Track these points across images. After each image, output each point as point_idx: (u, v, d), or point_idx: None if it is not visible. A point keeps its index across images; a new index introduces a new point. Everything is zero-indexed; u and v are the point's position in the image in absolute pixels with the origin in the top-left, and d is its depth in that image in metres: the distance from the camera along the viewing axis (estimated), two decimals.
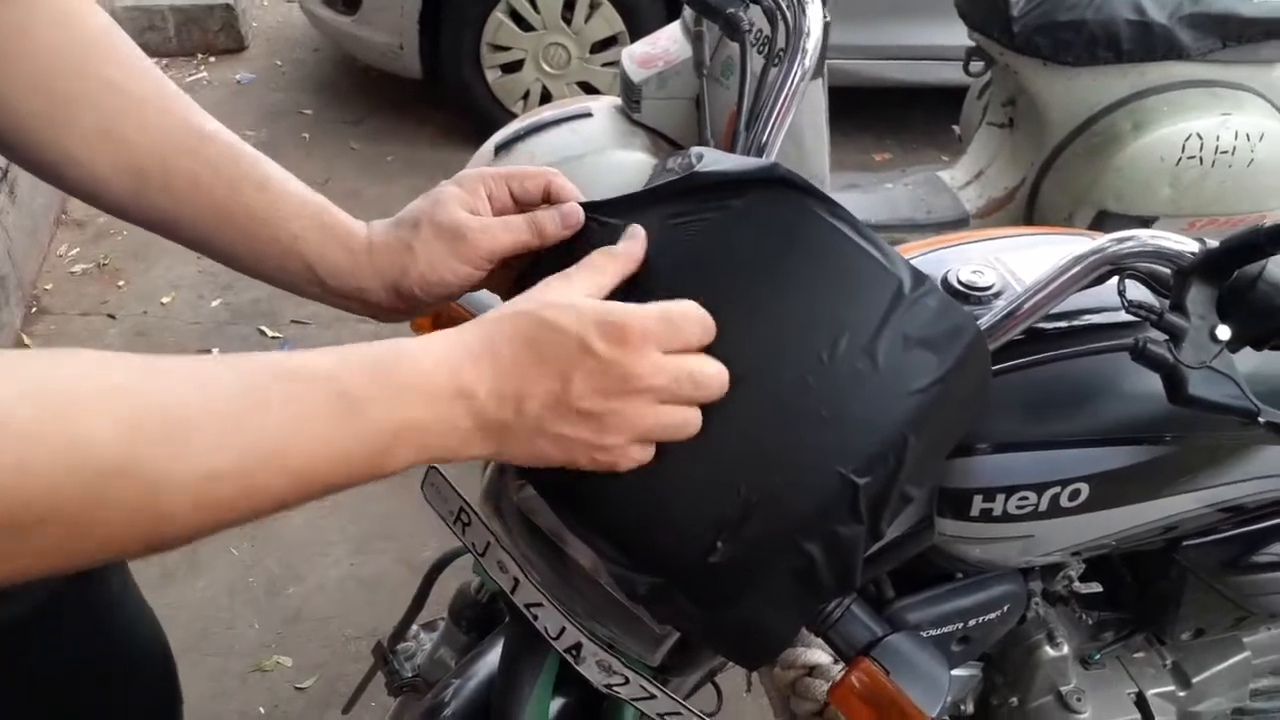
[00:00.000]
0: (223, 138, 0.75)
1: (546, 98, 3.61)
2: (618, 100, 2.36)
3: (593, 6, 3.51)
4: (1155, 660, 1.23)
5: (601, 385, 0.59)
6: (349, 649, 2.08)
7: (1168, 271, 0.75)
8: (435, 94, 3.77)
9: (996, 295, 0.89)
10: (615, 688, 0.86)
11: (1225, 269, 0.72)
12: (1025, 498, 0.87)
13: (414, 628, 1.34)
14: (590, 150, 2.19)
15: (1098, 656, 1.20)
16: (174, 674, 1.14)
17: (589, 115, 2.29)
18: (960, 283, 0.90)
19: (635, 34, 3.25)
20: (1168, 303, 0.74)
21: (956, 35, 2.52)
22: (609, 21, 3.52)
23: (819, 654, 1.00)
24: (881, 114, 3.91)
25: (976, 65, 2.50)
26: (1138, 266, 0.76)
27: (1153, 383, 0.75)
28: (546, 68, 3.61)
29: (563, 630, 0.86)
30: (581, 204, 0.75)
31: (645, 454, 0.63)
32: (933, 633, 0.95)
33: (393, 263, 0.74)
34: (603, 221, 0.74)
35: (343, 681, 2.01)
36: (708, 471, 0.66)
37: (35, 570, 0.46)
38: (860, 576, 0.69)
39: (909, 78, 3.65)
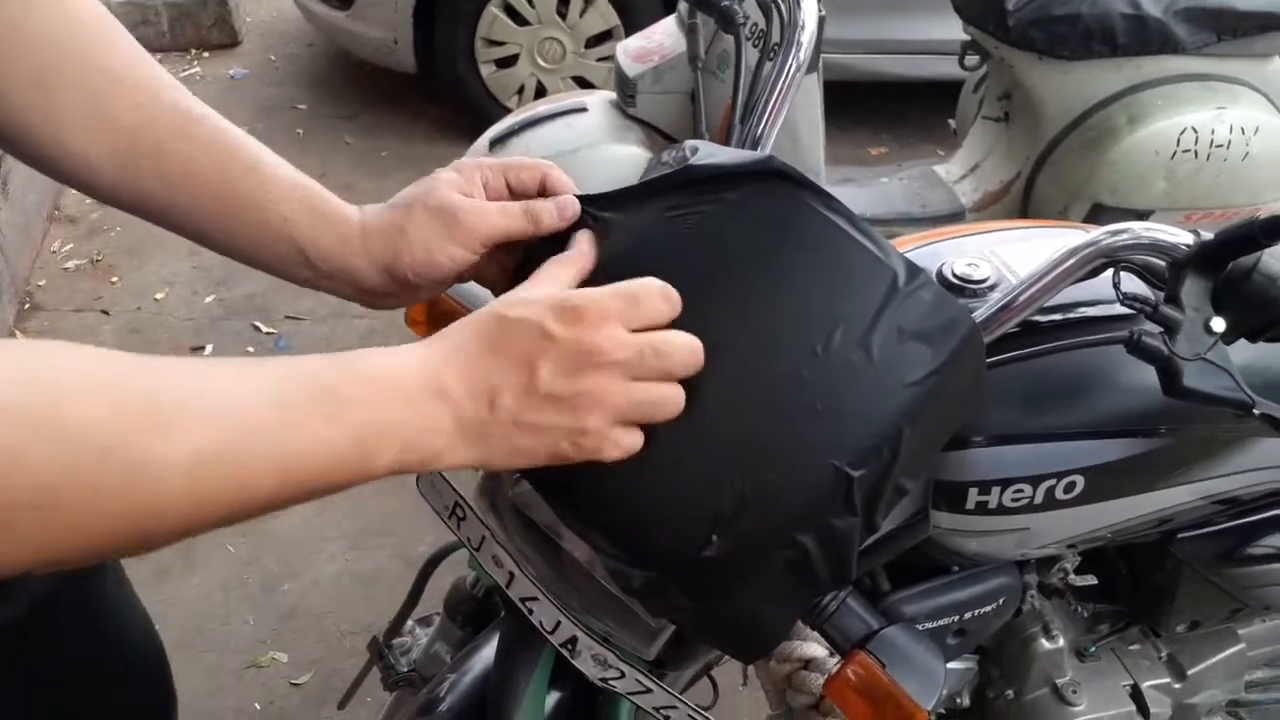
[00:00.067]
0: (213, 121, 0.75)
1: (541, 92, 3.60)
2: (613, 95, 2.36)
3: (587, 1, 3.50)
4: (1150, 652, 1.24)
5: (566, 366, 0.59)
6: (345, 644, 2.08)
7: (1162, 264, 0.75)
8: (430, 89, 3.77)
9: (991, 288, 0.89)
10: (611, 681, 0.86)
11: (1220, 261, 0.72)
12: (1020, 490, 0.87)
13: (409, 623, 1.34)
14: (585, 145, 2.19)
15: (1093, 649, 1.20)
16: (168, 673, 1.14)
17: (584, 110, 2.29)
18: (955, 276, 0.90)
19: (630, 28, 3.25)
20: (1162, 295, 0.74)
21: (952, 29, 2.51)
22: (604, 16, 3.52)
23: (815, 647, 1.00)
24: (877, 108, 3.90)
25: (972, 59, 2.50)
26: (1132, 259, 0.76)
27: (1148, 375, 0.75)
28: (541, 62, 3.60)
29: (558, 624, 0.86)
30: (577, 198, 0.75)
31: (631, 438, 0.63)
32: (928, 625, 0.95)
33: (385, 244, 0.74)
34: (598, 216, 0.74)
35: (338, 677, 2.01)
36: (702, 465, 0.66)
37: (21, 562, 0.46)
38: (855, 569, 0.69)
39: (904, 72, 3.65)
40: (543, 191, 0.76)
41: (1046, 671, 1.16)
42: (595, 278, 0.71)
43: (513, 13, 3.50)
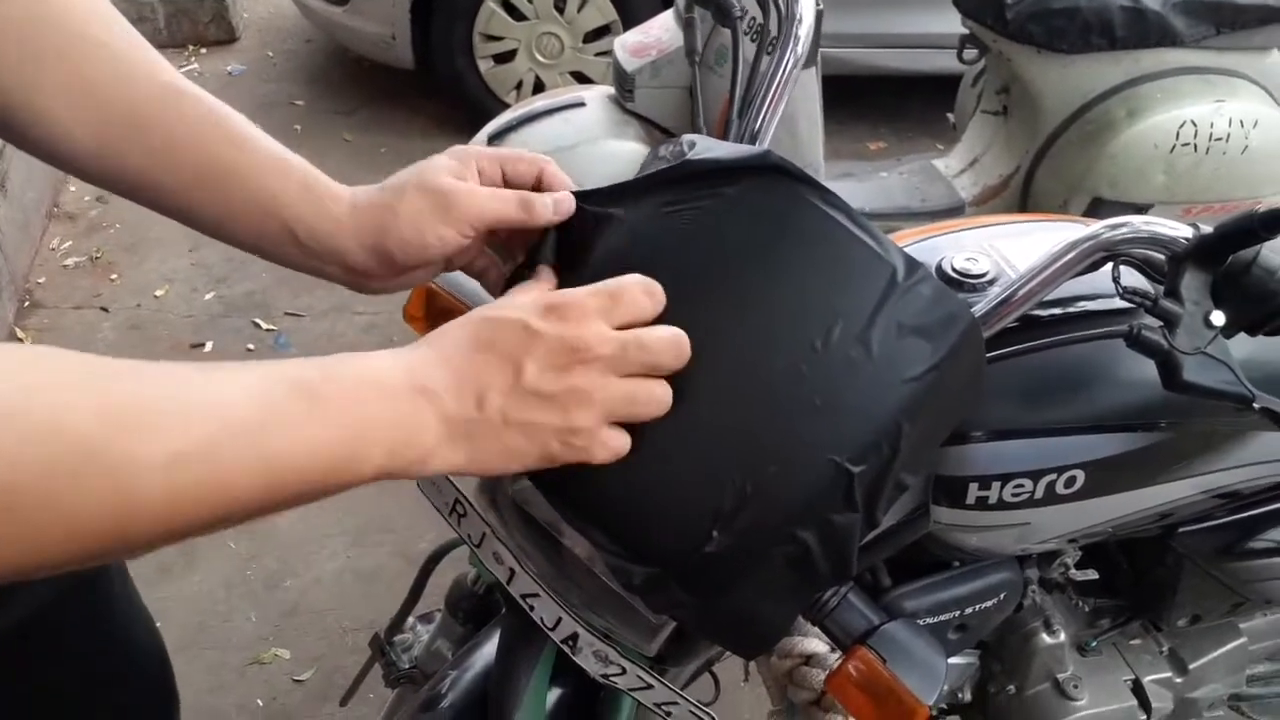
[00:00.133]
0: (198, 96, 0.74)
1: (539, 88, 3.59)
2: (611, 90, 2.35)
3: None
4: (1152, 647, 1.24)
5: (553, 362, 0.60)
6: (346, 641, 2.08)
7: (1162, 257, 0.75)
8: (428, 84, 3.76)
9: (991, 282, 0.89)
10: (612, 678, 0.86)
11: (1219, 254, 0.72)
12: (1021, 485, 0.87)
13: (411, 619, 1.34)
14: (583, 140, 2.18)
15: (1094, 644, 1.20)
16: (170, 672, 1.14)
17: (582, 105, 2.28)
18: (954, 270, 0.90)
19: (628, 23, 3.24)
20: (1162, 289, 0.74)
21: (950, 23, 2.51)
22: (602, 10, 3.51)
23: (816, 643, 1.00)
24: (876, 102, 3.90)
25: (970, 53, 2.50)
26: (1132, 253, 0.76)
27: (1148, 369, 0.75)
28: (539, 57, 3.59)
29: (559, 621, 0.86)
30: (574, 193, 0.75)
31: (619, 439, 0.63)
32: (929, 621, 0.95)
33: (374, 223, 0.73)
34: (595, 211, 0.74)
35: (340, 674, 2.01)
36: (702, 462, 0.66)
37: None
38: (856, 565, 0.69)
39: (903, 66, 3.64)
40: (538, 186, 0.76)
41: (1048, 666, 1.16)
42: (592, 274, 0.71)
43: (510, 8, 3.50)
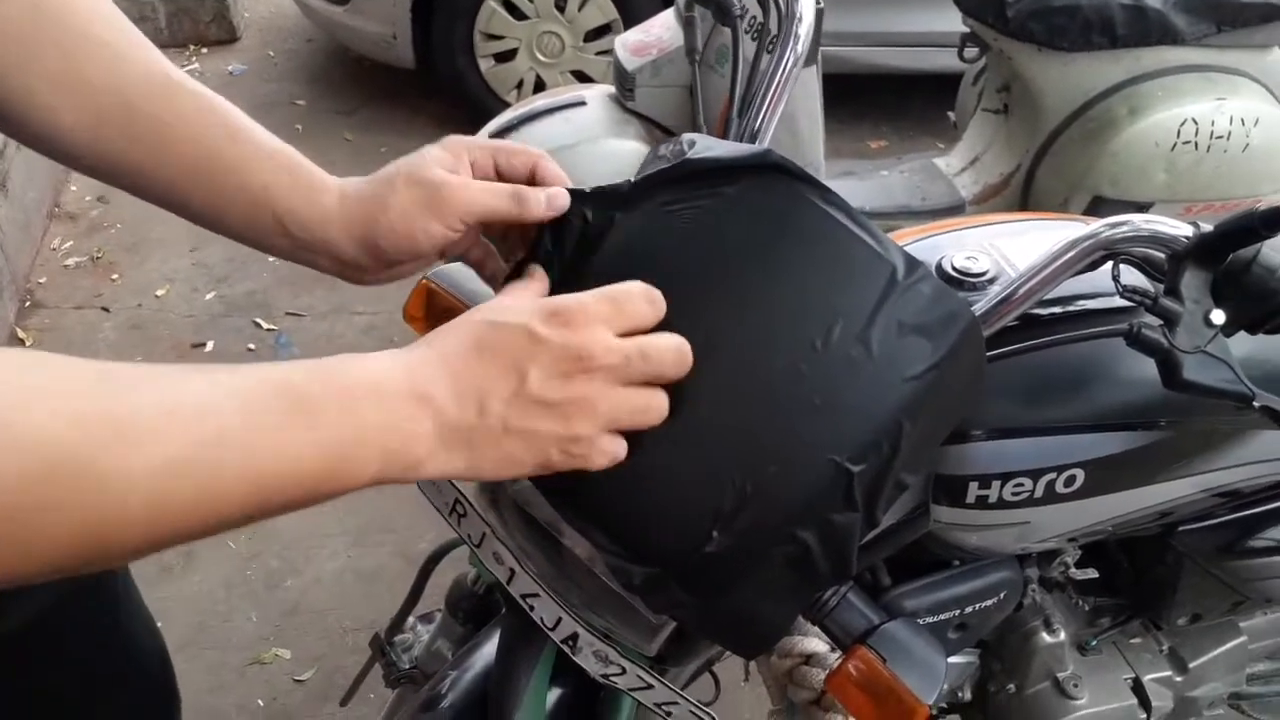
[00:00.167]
0: (189, 85, 0.74)
1: (540, 87, 3.59)
2: (611, 89, 2.35)
3: None
4: (1152, 646, 1.24)
5: (557, 370, 0.59)
6: (347, 641, 2.08)
7: (1162, 256, 0.75)
8: (428, 84, 3.76)
9: (991, 281, 0.89)
10: (612, 678, 0.86)
11: (1220, 253, 0.72)
12: (1021, 484, 0.87)
13: (411, 619, 1.34)
14: (584, 139, 2.18)
15: (1094, 642, 1.20)
16: (171, 672, 1.14)
17: (583, 104, 2.28)
18: (954, 269, 0.90)
19: (629, 22, 3.23)
20: (1162, 287, 0.74)
21: (951, 21, 2.51)
22: (602, 9, 3.51)
23: (816, 642, 1.00)
24: (877, 101, 3.90)
25: (971, 51, 2.49)
26: (1132, 251, 0.76)
27: (1148, 368, 0.74)
28: (540, 56, 3.59)
29: (559, 620, 0.86)
30: (571, 191, 0.74)
31: (617, 447, 0.63)
32: (929, 620, 0.95)
33: (363, 215, 0.73)
34: (593, 210, 0.73)
35: (341, 674, 2.01)
36: (702, 461, 0.66)
37: None
38: (856, 564, 0.69)
39: (904, 64, 3.64)
40: (532, 180, 0.75)
41: (1048, 665, 1.16)
42: (592, 274, 0.71)
43: (511, 7, 3.50)
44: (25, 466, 0.44)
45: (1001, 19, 2.26)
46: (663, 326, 0.67)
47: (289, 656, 2.06)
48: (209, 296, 3.00)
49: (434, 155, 0.73)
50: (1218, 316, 0.72)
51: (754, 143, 0.94)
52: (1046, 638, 1.15)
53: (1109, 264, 0.77)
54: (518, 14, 3.51)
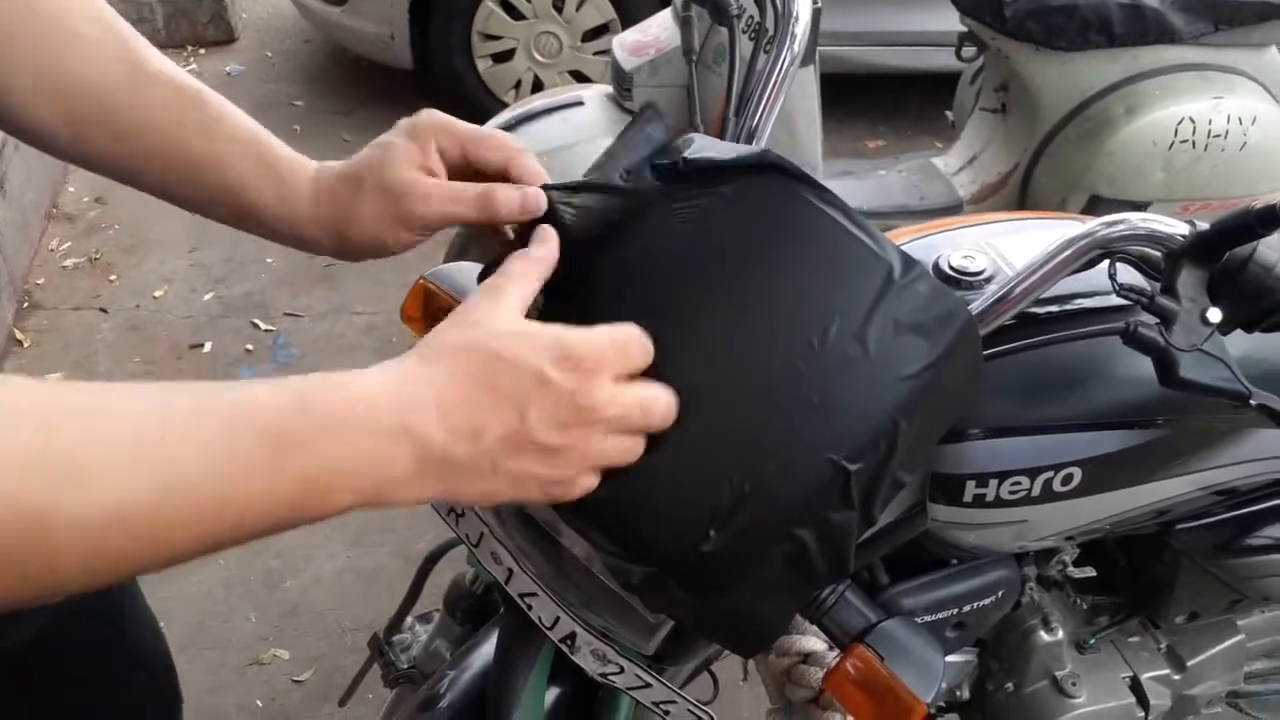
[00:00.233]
0: (167, 78, 0.74)
1: (538, 87, 3.59)
2: (609, 89, 2.35)
3: None
4: (1150, 644, 1.24)
5: (559, 416, 0.57)
6: (346, 641, 2.08)
7: (1158, 255, 0.75)
8: (426, 84, 3.76)
9: (988, 280, 0.89)
10: (610, 677, 0.86)
11: (1216, 251, 0.72)
12: (1018, 483, 0.87)
13: (409, 619, 1.34)
14: (582, 139, 2.18)
15: (1093, 641, 1.20)
16: (174, 676, 1.14)
17: (580, 104, 2.28)
18: (951, 268, 0.90)
19: (627, 22, 3.24)
20: (1159, 286, 0.74)
21: (949, 21, 2.51)
22: (600, 9, 3.51)
23: (814, 641, 1.00)
24: (875, 101, 3.90)
25: (969, 51, 2.49)
26: (1128, 250, 0.76)
27: (1144, 366, 0.75)
28: (538, 56, 3.59)
29: (557, 620, 0.86)
30: (562, 185, 0.73)
31: (593, 482, 0.62)
32: (927, 619, 0.95)
33: (335, 216, 0.74)
34: (575, 205, 0.72)
35: (340, 674, 2.01)
36: (700, 461, 0.66)
37: None
38: (853, 563, 0.69)
39: (902, 64, 3.64)
40: (506, 176, 0.74)
41: (1046, 664, 1.16)
42: (588, 274, 0.71)
43: (509, 7, 3.50)
44: None
45: (999, 18, 2.26)
46: (662, 326, 0.68)
47: (288, 657, 2.06)
48: (207, 297, 3.00)
49: (402, 149, 0.72)
50: (1214, 315, 0.72)
51: (751, 142, 0.94)
52: (1044, 636, 1.15)
53: (1106, 262, 0.77)
54: (515, 14, 3.51)
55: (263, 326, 2.88)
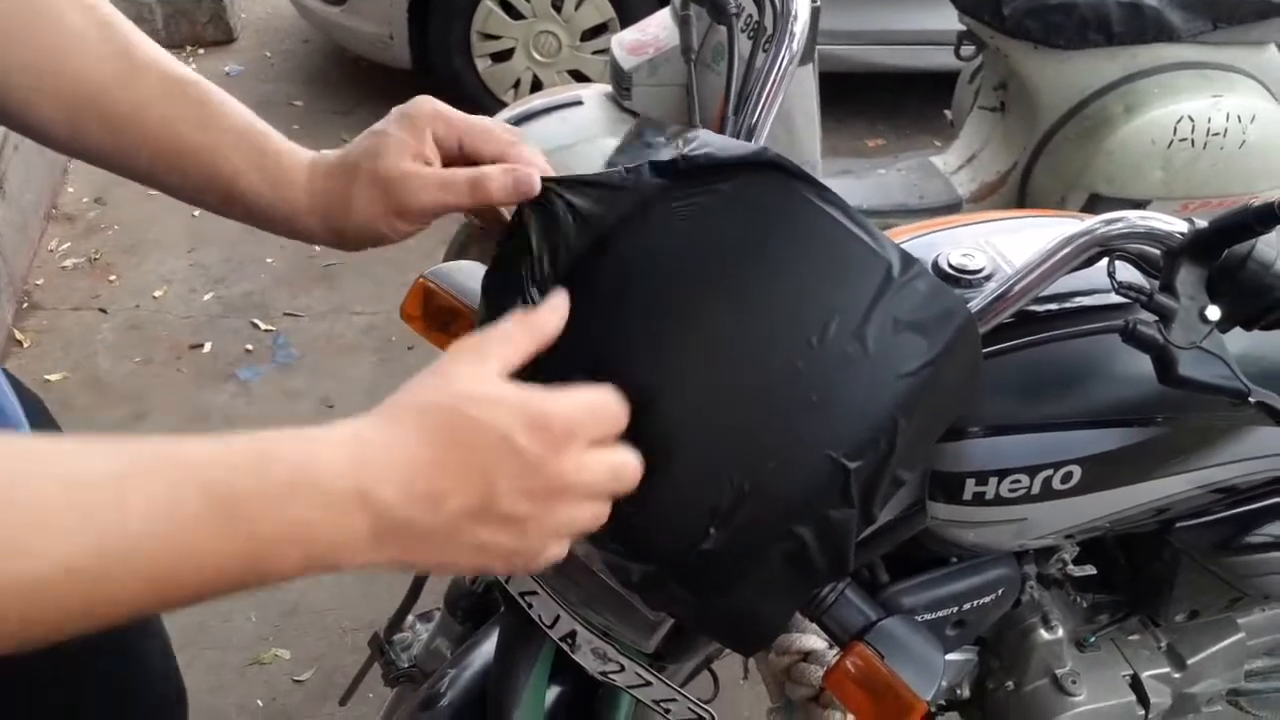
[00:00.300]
0: (163, 68, 0.74)
1: (537, 86, 3.59)
2: (608, 88, 2.35)
3: None
4: (1150, 642, 1.24)
5: (528, 486, 0.54)
6: (346, 641, 2.08)
7: (1157, 253, 0.75)
8: (425, 84, 3.73)
9: (987, 278, 0.89)
10: (611, 675, 0.86)
11: (1215, 249, 0.72)
12: (1018, 481, 0.87)
13: (410, 619, 1.34)
14: (581, 138, 2.18)
15: (1093, 639, 1.20)
16: (178, 673, 1.13)
17: (579, 103, 2.28)
18: (950, 266, 0.90)
19: (626, 21, 3.23)
20: (1157, 284, 0.74)
21: (947, 19, 2.51)
22: (599, 9, 3.51)
23: (814, 639, 1.00)
24: (874, 99, 3.90)
25: (968, 49, 2.49)
26: (1127, 248, 0.76)
27: (1143, 364, 0.75)
28: (537, 56, 3.59)
29: (557, 618, 0.86)
30: (558, 179, 0.73)
31: (561, 552, 0.58)
32: (927, 617, 0.95)
33: (330, 207, 0.74)
34: (573, 202, 0.72)
35: (340, 673, 2.01)
36: (699, 459, 0.66)
37: None
38: (853, 561, 0.70)
39: (901, 63, 3.64)
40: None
41: (1046, 662, 1.16)
42: (589, 273, 0.71)
43: (508, 7, 3.50)
44: None
45: (998, 17, 2.26)
46: (662, 325, 0.68)
47: (288, 656, 2.06)
48: (207, 297, 3.00)
49: (397, 139, 0.72)
50: (1213, 312, 0.72)
51: (750, 140, 0.94)
52: (1045, 634, 1.15)
53: (1104, 260, 0.77)
54: (514, 14, 3.51)
55: (262, 326, 2.88)
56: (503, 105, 2.98)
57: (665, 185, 0.72)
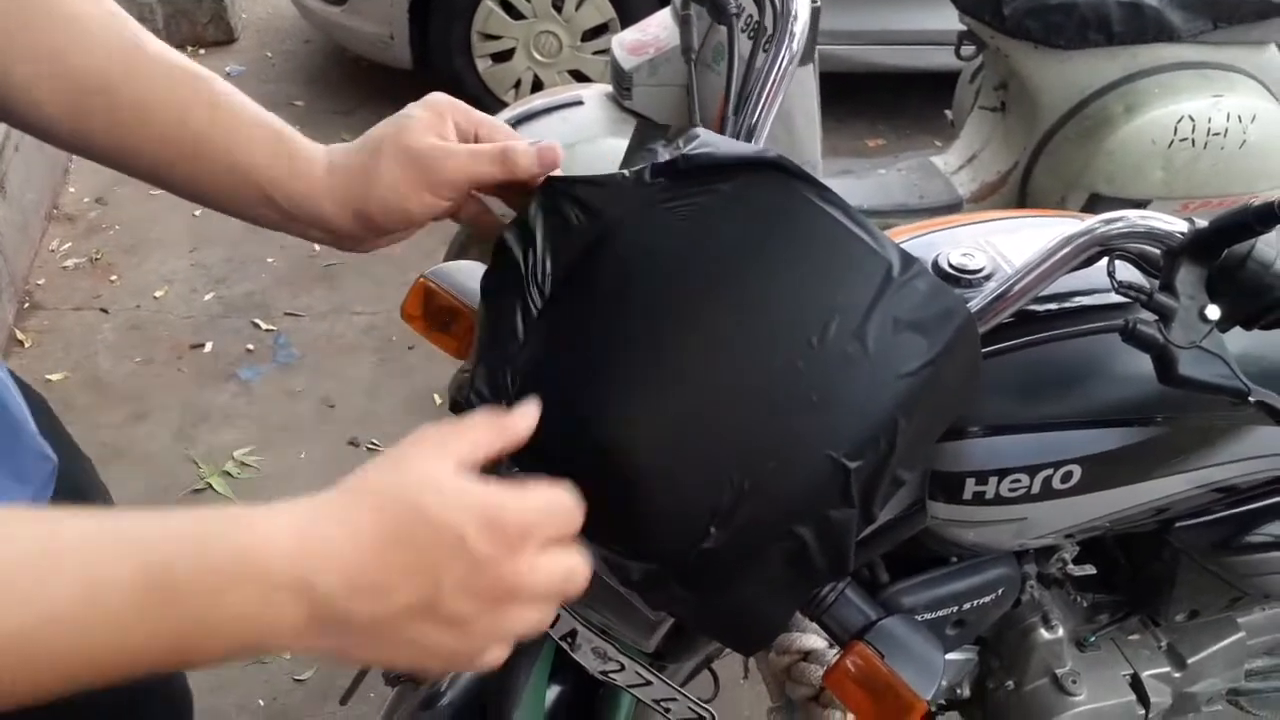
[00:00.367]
0: (170, 60, 0.72)
1: (538, 86, 3.59)
2: (609, 88, 2.35)
3: None
4: (1150, 642, 1.24)
5: (476, 587, 0.52)
6: None
7: (1157, 252, 0.75)
8: (426, 84, 3.71)
9: (987, 278, 0.89)
10: (611, 675, 0.86)
11: (1214, 248, 0.72)
12: (1018, 480, 0.87)
13: None
14: (582, 139, 2.19)
15: (1093, 639, 1.20)
16: (183, 678, 1.14)
17: (580, 103, 2.28)
18: (950, 266, 0.90)
19: (626, 21, 3.24)
20: (1157, 283, 0.74)
21: (948, 19, 2.51)
22: (600, 9, 3.51)
23: (814, 639, 1.00)
24: (874, 100, 3.90)
25: (968, 49, 2.49)
26: (1127, 247, 0.76)
27: (1143, 364, 0.75)
28: (537, 56, 3.59)
29: (558, 617, 0.86)
30: (561, 179, 0.74)
31: (502, 655, 0.56)
32: (927, 616, 0.95)
33: (352, 188, 0.71)
34: (579, 200, 0.73)
35: (341, 673, 2.00)
36: (700, 459, 0.66)
37: None
38: (853, 560, 0.70)
39: (901, 63, 3.64)
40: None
41: (1046, 661, 1.17)
42: (589, 274, 0.71)
43: (508, 7, 3.50)
44: None
45: (998, 17, 2.26)
46: (662, 325, 0.68)
47: (289, 656, 2.06)
48: (208, 297, 3.00)
49: (419, 117, 0.72)
50: (1213, 312, 0.72)
51: (750, 141, 0.94)
52: (1045, 634, 1.15)
53: (1104, 260, 0.77)
54: (515, 14, 3.51)
55: (263, 326, 2.89)
56: (503, 105, 2.98)
57: (666, 185, 0.72)
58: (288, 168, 0.72)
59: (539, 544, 0.54)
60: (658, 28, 2.32)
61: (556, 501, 0.56)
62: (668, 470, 0.66)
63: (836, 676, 0.79)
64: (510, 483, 0.54)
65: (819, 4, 1.92)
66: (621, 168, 0.76)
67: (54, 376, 2.67)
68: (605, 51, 2.96)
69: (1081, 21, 2.21)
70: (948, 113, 2.87)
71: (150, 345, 2.82)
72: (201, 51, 4.31)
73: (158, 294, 3.01)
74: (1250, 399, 0.74)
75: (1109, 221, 0.75)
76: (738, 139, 0.94)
